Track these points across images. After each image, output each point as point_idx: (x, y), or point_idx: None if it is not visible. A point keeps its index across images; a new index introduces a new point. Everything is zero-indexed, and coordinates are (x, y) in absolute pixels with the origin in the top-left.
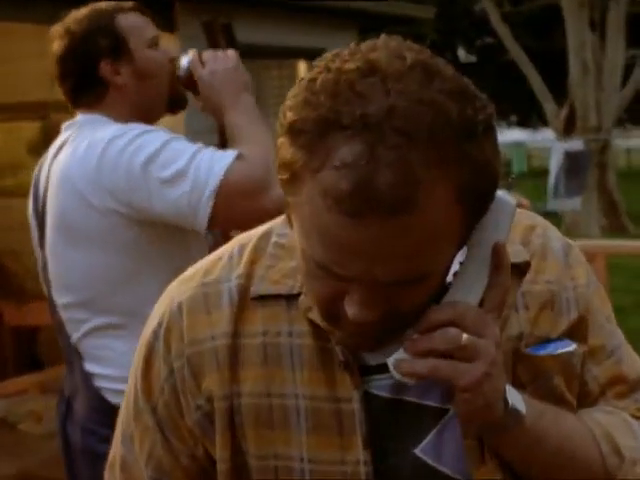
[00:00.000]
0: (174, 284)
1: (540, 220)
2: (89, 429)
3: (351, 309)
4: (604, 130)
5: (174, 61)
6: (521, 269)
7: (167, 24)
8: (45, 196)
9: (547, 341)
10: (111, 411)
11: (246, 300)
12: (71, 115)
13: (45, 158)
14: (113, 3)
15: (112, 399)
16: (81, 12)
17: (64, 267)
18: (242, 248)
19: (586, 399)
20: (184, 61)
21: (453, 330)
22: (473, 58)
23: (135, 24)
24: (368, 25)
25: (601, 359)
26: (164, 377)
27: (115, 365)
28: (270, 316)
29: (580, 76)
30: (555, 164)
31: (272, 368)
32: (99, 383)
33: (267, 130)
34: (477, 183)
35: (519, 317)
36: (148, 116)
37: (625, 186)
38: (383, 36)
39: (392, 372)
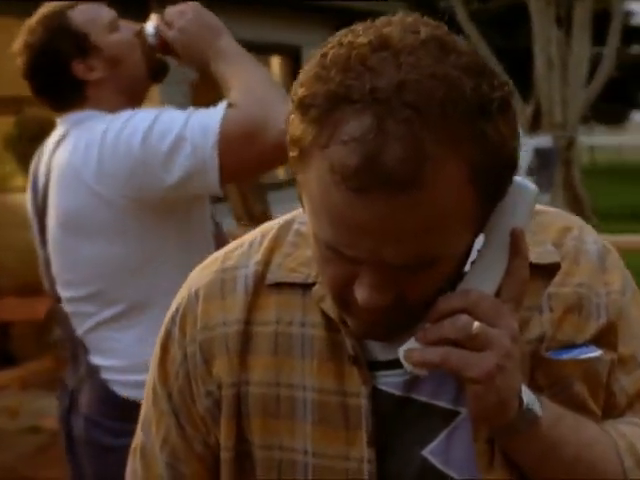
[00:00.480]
0: (195, 271)
1: (577, 222)
2: (94, 421)
3: (361, 293)
4: (569, 126)
5: (141, 33)
6: (549, 270)
7: (142, 20)
8: (45, 191)
9: (571, 346)
10: (118, 403)
11: (261, 287)
12: (46, 110)
13: (42, 153)
14: (59, 2)
15: (119, 391)
16: (32, 21)
17: (70, 262)
18: (264, 235)
19: (613, 411)
20: (150, 29)
21: (464, 317)
22: None
23: (89, 15)
24: (344, 22)
25: (631, 369)
26: (178, 362)
27: (122, 357)
28: (284, 304)
29: (545, 72)
30: (524, 160)
31: (282, 357)
32: (106, 375)
33: (256, 66)
34: (491, 163)
35: (542, 319)
36: (135, 96)
37: (589, 183)
38: (400, 13)
39: (403, 362)
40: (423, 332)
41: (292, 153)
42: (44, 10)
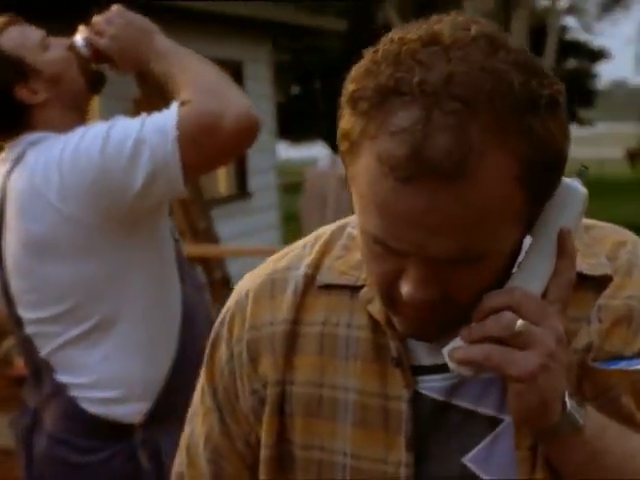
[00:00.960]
0: (247, 275)
1: (631, 236)
2: (60, 439)
3: (406, 287)
4: None
5: (73, 47)
6: (601, 282)
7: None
8: (1, 212)
9: (619, 358)
10: (86, 420)
11: (311, 289)
12: None
13: None
14: None
15: (88, 407)
16: None
17: (35, 283)
18: (317, 239)
19: None
20: (80, 41)
21: (508, 315)
22: None
23: (19, 39)
24: (281, 37)
25: None
26: (225, 360)
27: (90, 374)
28: (332, 306)
29: None
30: None
31: (327, 358)
32: (74, 392)
33: (196, 59)
34: (540, 161)
35: (590, 329)
36: (79, 110)
37: None
38: (452, 13)
39: (447, 361)
40: (467, 330)
41: (342, 147)
42: None
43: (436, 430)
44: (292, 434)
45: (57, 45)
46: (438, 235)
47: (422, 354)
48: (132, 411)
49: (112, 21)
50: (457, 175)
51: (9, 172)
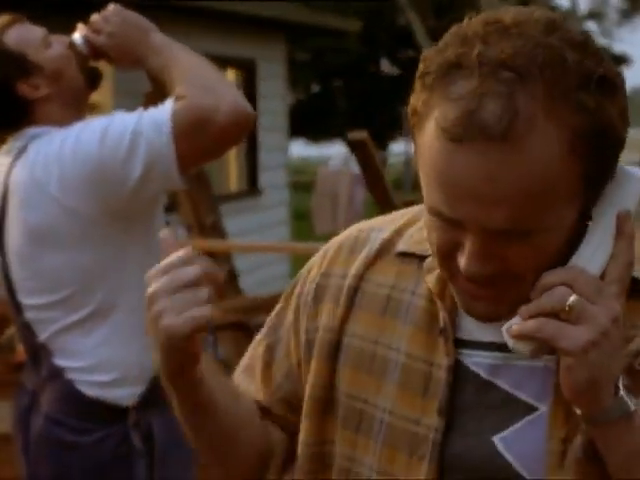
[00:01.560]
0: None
1: None
2: (56, 420)
3: (462, 261)
4: None
5: (72, 45)
6: None
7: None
8: (4, 203)
9: None
10: (83, 402)
11: (387, 253)
12: None
13: None
14: None
15: (85, 390)
16: None
17: (36, 271)
18: (409, 210)
19: None
20: (78, 39)
21: (562, 289)
22: (396, 70)
23: (22, 36)
24: (295, 36)
25: None
26: (296, 295)
27: (87, 358)
28: (403, 272)
29: None
30: None
31: (387, 319)
32: (71, 376)
33: (190, 55)
34: (591, 135)
35: None
36: (78, 106)
37: None
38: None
39: (505, 339)
40: (524, 306)
41: (411, 122)
42: None
43: (474, 404)
44: (340, 381)
45: (58, 43)
46: (489, 204)
47: (472, 329)
48: (126, 394)
49: (109, 19)
50: (505, 138)
51: (12, 164)
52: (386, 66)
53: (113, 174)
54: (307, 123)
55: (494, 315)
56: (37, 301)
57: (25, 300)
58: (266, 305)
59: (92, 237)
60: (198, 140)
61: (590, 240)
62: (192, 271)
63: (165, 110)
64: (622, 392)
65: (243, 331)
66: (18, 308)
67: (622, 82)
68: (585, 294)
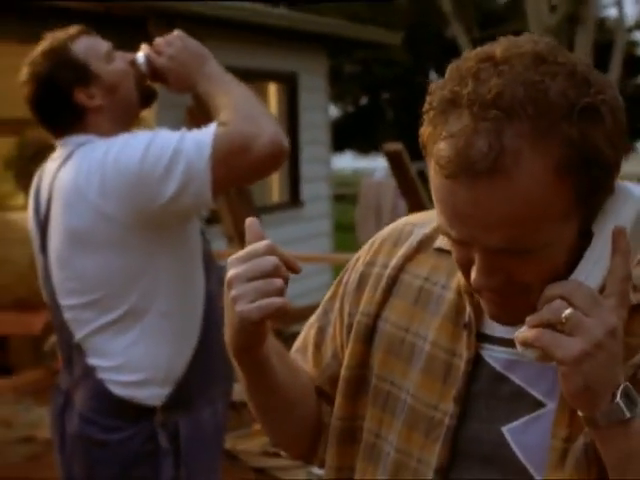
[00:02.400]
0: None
1: None
2: (88, 418)
3: (473, 275)
4: None
5: (134, 62)
6: None
7: (141, 44)
8: (48, 208)
9: None
10: (112, 401)
11: (426, 247)
12: (47, 132)
13: (43, 173)
14: (62, 34)
15: (114, 389)
16: (37, 52)
17: (72, 273)
18: None
19: None
20: (141, 58)
21: (558, 302)
22: None
23: (88, 46)
24: (337, 49)
25: None
26: (344, 282)
27: (118, 358)
28: (437, 267)
29: None
30: None
31: (419, 309)
32: (102, 375)
33: (239, 86)
34: (578, 162)
35: None
36: (128, 120)
37: None
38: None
39: (516, 344)
40: (530, 316)
41: (422, 150)
42: (47, 42)
43: (487, 395)
44: (373, 363)
45: (120, 58)
46: (484, 228)
47: (494, 325)
48: (154, 394)
49: (171, 43)
50: (492, 173)
51: (57, 170)
52: (434, 77)
53: (149, 188)
54: (356, 135)
55: (512, 320)
56: (73, 302)
57: (63, 301)
58: (302, 315)
59: (125, 243)
60: (235, 166)
61: (590, 255)
62: (270, 261)
63: (208, 133)
64: (619, 399)
65: (280, 339)
66: (57, 309)
67: (611, 107)
68: (581, 307)
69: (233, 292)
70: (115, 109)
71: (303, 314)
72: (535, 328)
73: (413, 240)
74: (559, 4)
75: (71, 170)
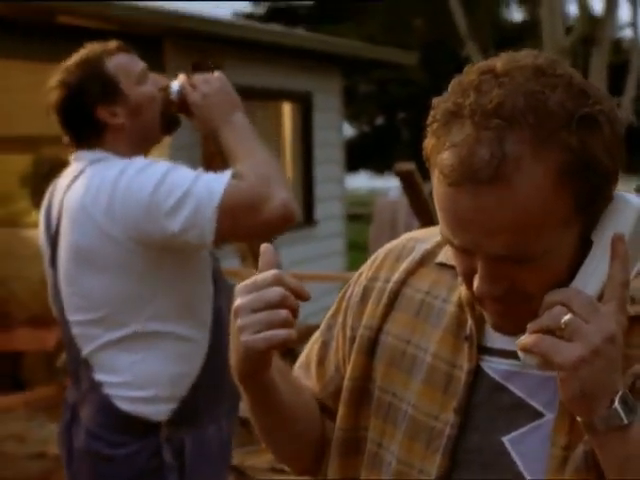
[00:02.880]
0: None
1: None
2: (94, 433)
3: (476, 283)
4: None
5: (166, 88)
6: None
7: (156, 63)
8: (58, 224)
9: None
10: (119, 416)
11: (428, 262)
12: (63, 149)
13: (55, 188)
14: (100, 47)
15: (120, 405)
16: (72, 61)
17: (78, 290)
18: None
19: None
20: (175, 87)
21: (558, 308)
22: None
23: (122, 64)
24: (352, 69)
25: None
26: (347, 297)
27: (123, 374)
28: (438, 281)
29: None
30: None
31: (420, 322)
32: (108, 390)
33: (261, 145)
34: (576, 170)
35: None
36: (146, 144)
37: None
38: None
39: (518, 351)
40: (530, 323)
41: (426, 162)
42: (84, 53)
43: (487, 405)
44: (375, 375)
45: (152, 81)
46: (487, 234)
47: (494, 337)
48: (159, 410)
49: (209, 82)
50: (494, 180)
51: (69, 186)
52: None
53: (154, 221)
54: (371, 155)
55: (515, 330)
56: (80, 317)
57: (71, 317)
58: (312, 333)
59: (131, 266)
60: (241, 221)
61: (589, 263)
62: (276, 292)
63: (221, 181)
64: (617, 405)
65: (291, 357)
66: (66, 324)
67: (608, 118)
68: (580, 313)
69: (239, 322)
70: (136, 131)
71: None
72: (535, 334)
73: (415, 255)
74: (574, 25)
75: (81, 187)
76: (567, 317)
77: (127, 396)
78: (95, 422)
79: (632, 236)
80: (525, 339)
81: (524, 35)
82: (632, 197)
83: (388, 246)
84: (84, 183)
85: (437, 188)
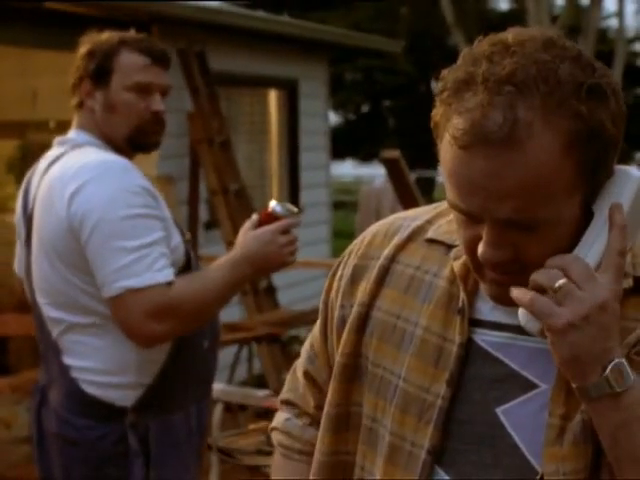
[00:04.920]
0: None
1: None
2: (63, 418)
3: (481, 249)
4: None
5: (272, 211)
6: None
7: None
8: (34, 205)
9: None
10: (85, 401)
11: (418, 238)
12: (49, 135)
13: (34, 169)
14: (132, 37)
15: (87, 389)
16: (106, 33)
17: (43, 274)
18: (442, 203)
19: None
20: (278, 208)
21: (555, 271)
22: None
23: (129, 64)
24: (338, 57)
25: None
26: (338, 277)
27: (90, 359)
28: (429, 257)
29: None
30: None
31: (409, 297)
32: (76, 374)
33: (219, 301)
34: (584, 137)
35: None
36: (112, 146)
37: None
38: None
39: (520, 319)
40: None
41: (434, 133)
42: (120, 33)
43: (480, 377)
44: (367, 351)
45: (141, 98)
46: (496, 197)
47: (486, 310)
48: (125, 396)
49: (274, 241)
50: (507, 143)
51: (46, 170)
52: (436, 86)
53: (83, 240)
54: (358, 143)
55: (512, 300)
56: (48, 300)
57: (40, 299)
58: (300, 319)
59: (82, 264)
60: (131, 313)
61: (589, 233)
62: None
63: (159, 274)
64: (608, 373)
65: (278, 343)
66: (37, 306)
67: (613, 90)
68: (575, 279)
69: None
70: (104, 125)
71: (302, 319)
72: (531, 291)
73: (404, 231)
74: (560, 15)
75: (54, 175)
76: (562, 281)
77: (93, 381)
78: (63, 405)
79: (631, 208)
80: (520, 292)
81: (510, 24)
82: (632, 169)
83: (376, 225)
84: (59, 170)
85: (447, 153)
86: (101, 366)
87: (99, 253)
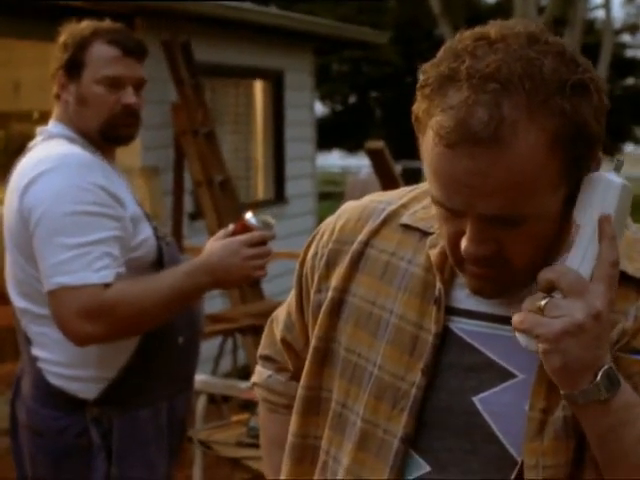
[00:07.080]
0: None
1: None
2: (31, 408)
3: (464, 243)
4: None
5: (244, 218)
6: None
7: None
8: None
9: None
10: (50, 392)
11: (392, 223)
12: (32, 126)
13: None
14: (106, 28)
15: (52, 380)
16: (83, 23)
17: (10, 265)
18: (416, 188)
19: None
20: (252, 220)
21: (538, 294)
22: None
23: (100, 57)
24: (323, 48)
25: None
26: (311, 255)
27: (54, 350)
28: (403, 242)
29: None
30: None
31: (384, 284)
32: (41, 365)
33: (161, 308)
34: (568, 134)
35: (625, 324)
36: (86, 139)
37: None
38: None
39: (518, 338)
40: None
41: (415, 127)
42: (96, 22)
43: (456, 365)
44: (341, 336)
45: (111, 92)
46: (481, 195)
47: (462, 299)
48: (86, 388)
49: (225, 249)
50: (492, 141)
51: (20, 159)
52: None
53: (31, 230)
54: (344, 134)
55: (492, 293)
56: (15, 290)
57: (9, 289)
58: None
59: (34, 250)
60: (64, 310)
61: (580, 244)
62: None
63: (98, 274)
64: (599, 380)
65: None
66: (10, 296)
67: (596, 85)
68: (566, 290)
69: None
70: (76, 117)
71: None
72: (521, 313)
73: (379, 215)
74: (547, 6)
75: (22, 164)
76: (544, 301)
77: (57, 372)
78: (31, 396)
79: (616, 214)
80: (515, 317)
81: (497, 15)
82: (612, 175)
83: (350, 207)
84: (25, 160)
85: (431, 150)
86: (63, 358)
87: (41, 247)
